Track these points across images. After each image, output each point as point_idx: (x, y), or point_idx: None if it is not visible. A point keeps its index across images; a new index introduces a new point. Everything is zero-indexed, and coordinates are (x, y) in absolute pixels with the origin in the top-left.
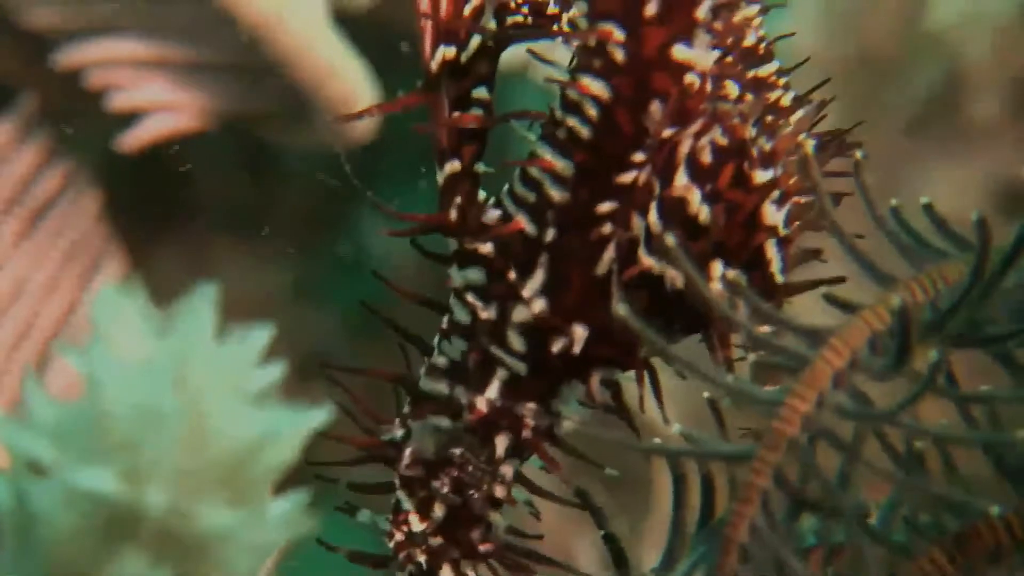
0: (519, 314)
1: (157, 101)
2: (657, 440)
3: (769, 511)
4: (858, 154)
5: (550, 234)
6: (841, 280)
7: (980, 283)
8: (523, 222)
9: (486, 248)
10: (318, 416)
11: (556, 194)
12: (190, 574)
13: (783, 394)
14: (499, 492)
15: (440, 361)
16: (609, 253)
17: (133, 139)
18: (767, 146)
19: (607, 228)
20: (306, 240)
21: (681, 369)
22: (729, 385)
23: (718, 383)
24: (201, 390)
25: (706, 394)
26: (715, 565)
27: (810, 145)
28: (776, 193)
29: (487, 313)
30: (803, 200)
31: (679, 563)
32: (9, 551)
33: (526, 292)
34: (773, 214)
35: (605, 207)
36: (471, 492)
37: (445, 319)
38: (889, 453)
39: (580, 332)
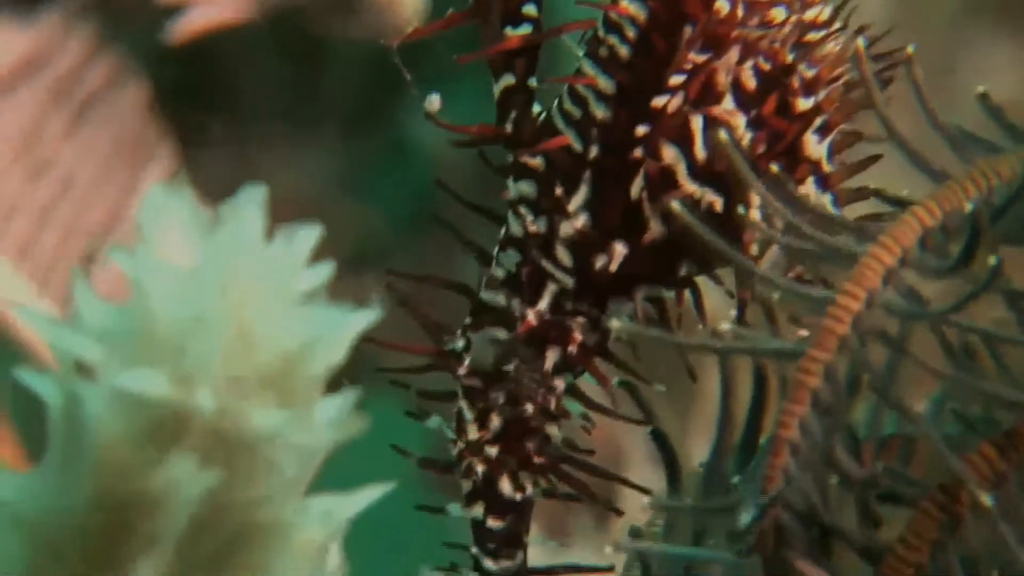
0: (565, 229)
1: None
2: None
3: (820, 410)
4: (909, 48)
5: (593, 151)
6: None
7: None
8: (570, 138)
9: (536, 162)
10: (367, 317)
11: (599, 112)
12: (238, 477)
13: (833, 292)
14: (553, 405)
15: (498, 273)
16: (639, 180)
17: (180, 30)
18: (808, 73)
19: (639, 153)
20: (352, 133)
21: (739, 265)
22: (780, 282)
23: (770, 280)
24: (248, 292)
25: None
26: (765, 465)
27: (861, 42)
28: (819, 121)
29: (537, 226)
30: (846, 131)
31: (727, 457)
32: (56, 454)
33: (570, 207)
34: (815, 146)
35: (641, 130)
36: (526, 404)
37: (502, 230)
38: (943, 349)
39: (619, 249)
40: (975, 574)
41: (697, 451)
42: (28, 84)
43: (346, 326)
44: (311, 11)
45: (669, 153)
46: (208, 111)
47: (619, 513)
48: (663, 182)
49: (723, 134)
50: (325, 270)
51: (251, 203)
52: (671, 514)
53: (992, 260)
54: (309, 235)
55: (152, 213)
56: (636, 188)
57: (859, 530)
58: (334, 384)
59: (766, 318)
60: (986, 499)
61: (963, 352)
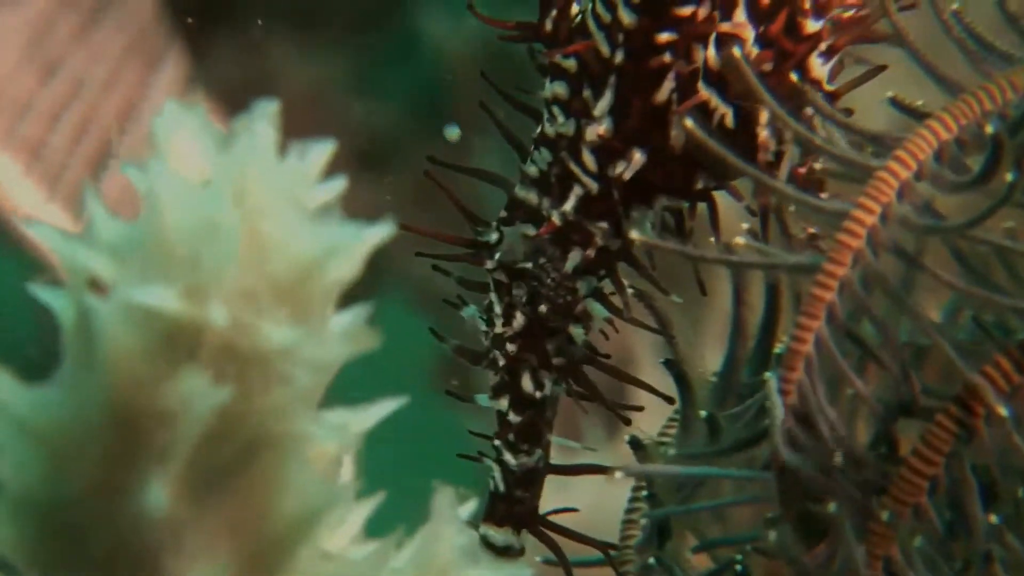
0: (590, 133)
1: None
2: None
3: (835, 324)
4: None
5: (619, 57)
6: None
7: None
8: (598, 41)
9: (569, 64)
10: (380, 232)
11: (626, 17)
12: (252, 391)
13: (848, 205)
14: (576, 307)
15: (531, 170)
16: (669, 83)
17: None
18: None
19: (667, 58)
20: (362, 30)
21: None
22: (795, 196)
23: (786, 193)
24: (261, 206)
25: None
26: (781, 379)
27: None
28: (824, 45)
29: (566, 128)
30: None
31: (740, 369)
32: (70, 368)
33: (596, 112)
34: (819, 68)
35: (664, 36)
36: (547, 303)
37: (538, 128)
38: (958, 262)
39: (638, 157)
40: (987, 485)
41: (710, 360)
42: None
43: (360, 239)
44: None
45: (699, 56)
46: (218, 11)
47: (627, 422)
48: (691, 85)
49: (736, 51)
50: (338, 184)
51: (264, 117)
52: (685, 425)
53: (1010, 176)
54: (322, 149)
55: (166, 127)
56: (665, 91)
57: (872, 444)
58: (348, 297)
59: (781, 231)
60: (1002, 409)
61: (977, 265)
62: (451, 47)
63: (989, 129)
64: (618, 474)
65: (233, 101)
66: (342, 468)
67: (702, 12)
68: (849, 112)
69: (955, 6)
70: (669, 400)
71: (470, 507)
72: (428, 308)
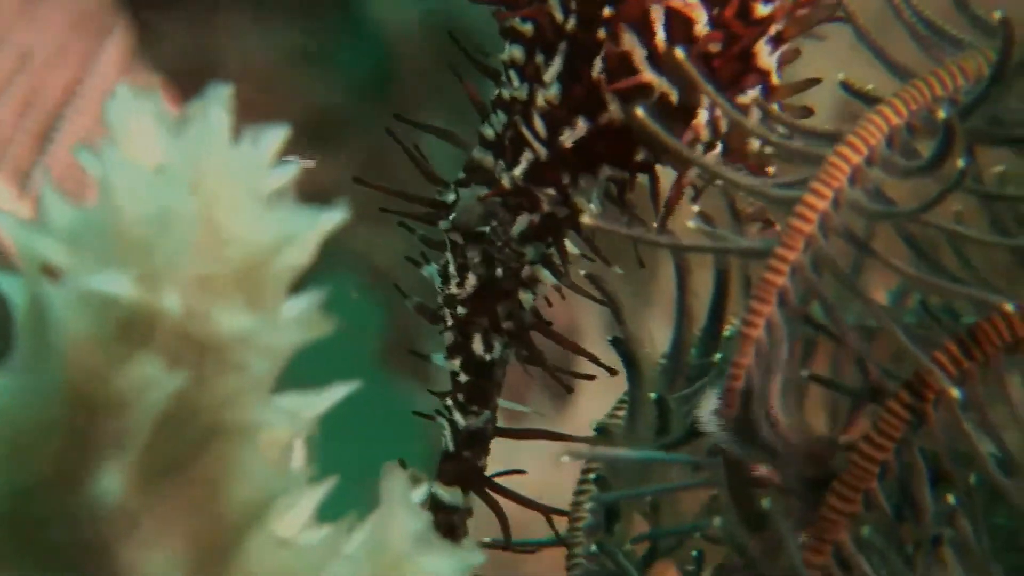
0: (540, 98)
1: None
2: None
3: (786, 309)
4: None
5: (571, 23)
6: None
7: (1002, 81)
8: (554, 6)
9: (526, 28)
10: (333, 217)
11: None
12: (207, 377)
13: (799, 191)
14: (523, 271)
15: (488, 133)
16: (598, 61)
17: None
18: None
19: (601, 34)
20: (312, 6)
21: (696, 164)
22: (746, 182)
23: (736, 181)
24: (216, 192)
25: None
26: (729, 363)
27: None
28: (773, 29)
29: (520, 92)
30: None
31: (688, 349)
32: (23, 356)
33: (546, 77)
34: (766, 56)
35: (607, 11)
36: (497, 266)
37: (496, 92)
38: (907, 245)
39: (581, 125)
40: (937, 470)
41: (660, 339)
42: None
43: (314, 225)
44: None
45: (628, 39)
46: None
47: (569, 390)
48: (621, 67)
49: (678, 51)
50: (292, 168)
51: (217, 102)
52: (633, 407)
53: (960, 163)
54: (276, 134)
55: (119, 113)
56: (596, 69)
57: (824, 431)
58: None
59: (729, 212)
60: (955, 392)
61: (927, 249)
62: (400, 22)
63: (941, 115)
64: (565, 457)
65: (180, 76)
66: (294, 453)
67: None
68: (808, 111)
69: None
70: (611, 372)
71: (422, 490)
72: (375, 286)
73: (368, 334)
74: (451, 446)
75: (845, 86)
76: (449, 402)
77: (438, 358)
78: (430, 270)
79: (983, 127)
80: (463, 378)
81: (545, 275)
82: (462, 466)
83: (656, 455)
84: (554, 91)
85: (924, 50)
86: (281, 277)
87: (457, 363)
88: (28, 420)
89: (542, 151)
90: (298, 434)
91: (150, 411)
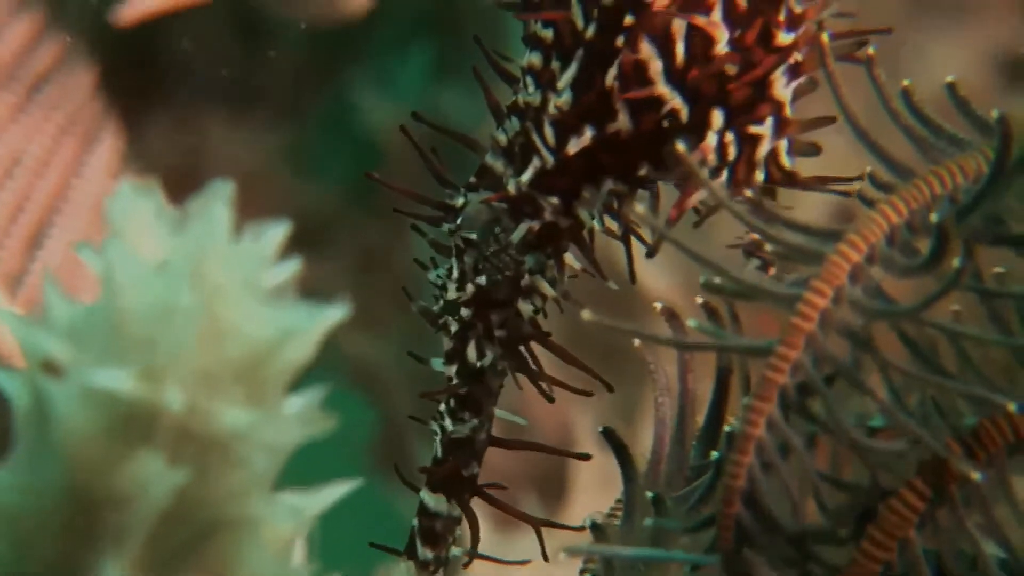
0: (551, 105)
1: None
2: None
3: (786, 406)
4: (870, 50)
5: (590, 30)
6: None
7: (1000, 179)
8: (575, 12)
9: (547, 33)
10: (334, 314)
11: None
12: (208, 473)
13: (800, 288)
14: (524, 281)
15: (501, 138)
16: (613, 69)
17: (130, 12)
18: (797, 8)
19: (620, 41)
20: (297, 109)
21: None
22: (745, 281)
23: (735, 279)
24: (217, 288)
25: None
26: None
27: (825, 34)
28: (792, 60)
29: (533, 98)
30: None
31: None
32: (25, 451)
33: (560, 83)
34: (782, 87)
35: (628, 20)
36: (495, 273)
37: (513, 98)
38: (905, 344)
39: (587, 134)
40: (940, 570)
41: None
42: None
43: (315, 322)
44: None
45: (646, 48)
46: (154, 90)
47: (551, 400)
48: (635, 76)
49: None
50: (293, 265)
51: (219, 198)
52: (629, 504)
53: (956, 263)
54: (277, 231)
55: (121, 208)
56: (610, 76)
57: (824, 528)
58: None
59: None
60: (976, 475)
61: (927, 348)
62: (385, 121)
63: (934, 217)
64: (562, 555)
65: (169, 178)
66: (295, 550)
67: (660, 2)
68: (816, 147)
69: (905, 83)
70: (609, 387)
71: None
72: (365, 388)
73: (358, 435)
74: (440, 452)
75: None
76: (442, 407)
77: (436, 363)
78: (433, 275)
79: (982, 226)
80: (456, 385)
81: (544, 286)
82: (447, 473)
83: (654, 553)
84: (565, 98)
85: (922, 152)
86: (282, 373)
87: (452, 369)
88: (29, 515)
89: (549, 158)
90: (300, 531)
91: (151, 507)
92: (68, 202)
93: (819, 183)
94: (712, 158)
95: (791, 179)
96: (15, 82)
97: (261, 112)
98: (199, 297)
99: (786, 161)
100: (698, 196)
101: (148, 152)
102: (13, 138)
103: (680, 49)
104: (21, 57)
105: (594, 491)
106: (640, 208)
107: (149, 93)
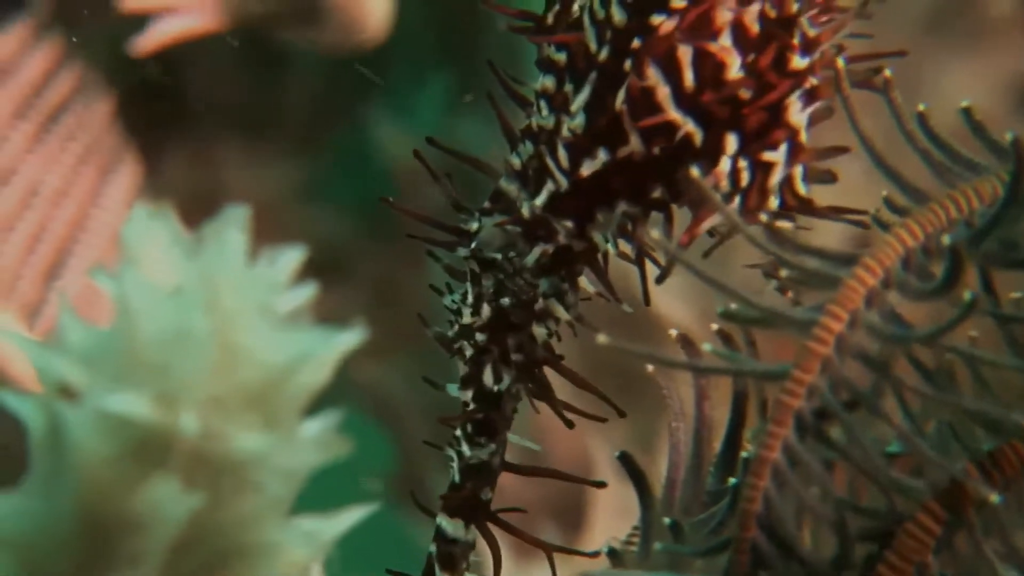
0: (565, 128)
1: (168, 2)
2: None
3: (803, 430)
4: (887, 72)
5: (603, 54)
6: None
7: (1016, 204)
8: (589, 36)
9: (560, 57)
10: (350, 339)
11: (617, 15)
12: (223, 498)
13: (816, 313)
14: (538, 305)
15: (515, 162)
16: (621, 93)
17: (147, 41)
18: (811, 32)
19: (627, 65)
20: (314, 140)
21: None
22: (760, 306)
23: (750, 303)
24: (232, 313)
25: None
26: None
27: (841, 59)
28: (807, 84)
29: (547, 121)
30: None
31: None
32: (39, 476)
33: (573, 107)
34: (797, 113)
35: (636, 44)
36: (510, 296)
37: (527, 122)
38: (919, 370)
39: (600, 156)
40: None
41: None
42: None
43: (330, 346)
44: (275, 20)
45: (652, 74)
46: (171, 120)
47: (570, 425)
48: (644, 102)
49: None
50: (308, 290)
51: (234, 223)
52: (646, 531)
53: (967, 295)
54: (292, 256)
55: (136, 234)
56: (618, 100)
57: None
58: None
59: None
60: (994, 497)
61: (943, 372)
62: (400, 150)
63: (946, 241)
64: None
65: (185, 208)
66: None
67: (666, 27)
68: (832, 175)
69: (921, 107)
70: (621, 413)
71: None
72: (379, 416)
73: (372, 463)
74: (457, 477)
75: (887, 202)
76: (458, 432)
77: (452, 388)
78: (448, 300)
79: (997, 250)
80: (473, 409)
81: (559, 310)
82: (464, 498)
83: None
84: (579, 120)
85: (938, 176)
86: (297, 397)
87: (469, 394)
88: (44, 540)
89: (563, 181)
90: (316, 556)
91: (166, 532)
92: (86, 232)
93: (834, 213)
94: (725, 184)
95: (806, 207)
96: (33, 111)
97: (277, 142)
98: (213, 322)
99: (801, 188)
100: (711, 221)
101: (165, 182)
102: (31, 168)
103: (689, 74)
104: (39, 87)
105: (613, 518)
106: (655, 233)
107: (166, 123)
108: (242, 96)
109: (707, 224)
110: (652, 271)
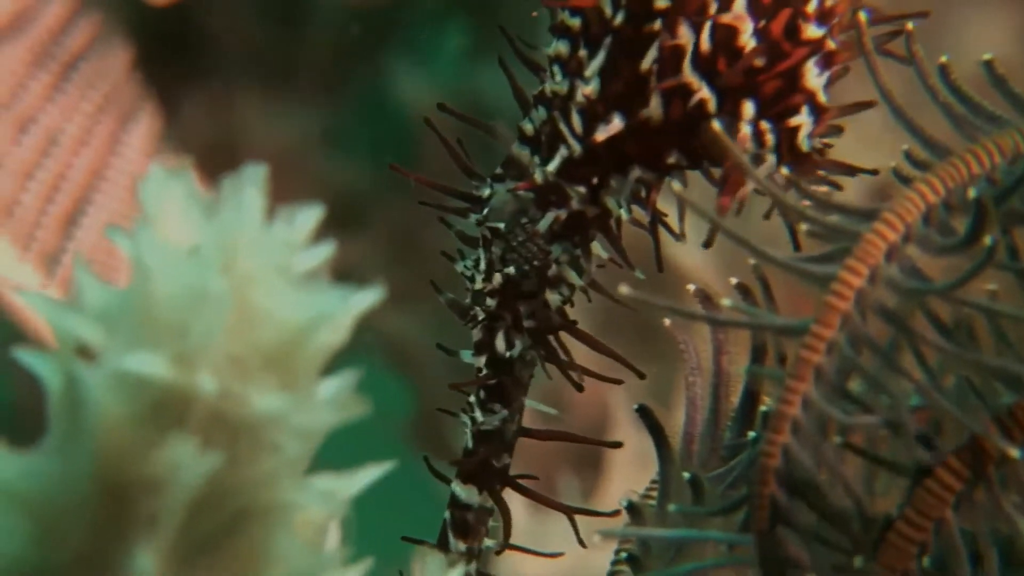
0: (579, 93)
1: None
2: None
3: (822, 386)
4: (909, 24)
5: (619, 18)
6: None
7: None
8: (604, 1)
9: (574, 22)
10: (368, 298)
11: None
12: (240, 458)
13: (836, 268)
14: (551, 271)
15: (527, 128)
16: (652, 52)
17: None
18: (828, 1)
19: (657, 25)
20: (333, 88)
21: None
22: (780, 259)
23: (769, 257)
24: (250, 273)
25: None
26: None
27: (863, 15)
28: (823, 49)
29: (561, 87)
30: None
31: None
32: (56, 436)
33: (587, 72)
34: (814, 77)
35: (661, 3)
36: (522, 263)
37: (540, 88)
38: (938, 327)
39: (616, 122)
40: (975, 551)
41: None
42: (11, 45)
43: (347, 306)
44: None
45: (683, 33)
46: (190, 69)
47: (580, 389)
48: (674, 60)
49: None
50: (326, 249)
51: (251, 182)
52: (664, 485)
53: (988, 241)
54: (310, 215)
55: (153, 193)
56: (648, 60)
57: (858, 509)
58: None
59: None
60: (1015, 452)
61: (962, 328)
62: (419, 99)
63: (972, 194)
64: (597, 538)
65: (204, 157)
66: (329, 534)
67: None
68: (839, 129)
69: (943, 59)
70: (641, 375)
71: (457, 573)
72: (401, 367)
73: (394, 415)
74: (470, 443)
75: (907, 156)
76: (472, 399)
77: (466, 354)
78: (460, 266)
79: (1020, 208)
80: (485, 376)
81: (572, 276)
82: (478, 463)
83: (689, 533)
84: (593, 86)
85: (959, 129)
86: (315, 357)
87: (482, 360)
88: (62, 500)
89: (576, 147)
90: (333, 515)
91: (184, 492)
92: (105, 181)
93: (841, 167)
94: (750, 146)
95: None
96: (51, 61)
97: (296, 91)
98: (231, 282)
99: (804, 145)
100: (745, 190)
101: (184, 131)
102: (50, 117)
103: (705, 36)
104: (57, 36)
105: (631, 469)
106: (676, 186)
107: (185, 72)
108: (261, 45)
109: (740, 192)
110: (665, 240)
